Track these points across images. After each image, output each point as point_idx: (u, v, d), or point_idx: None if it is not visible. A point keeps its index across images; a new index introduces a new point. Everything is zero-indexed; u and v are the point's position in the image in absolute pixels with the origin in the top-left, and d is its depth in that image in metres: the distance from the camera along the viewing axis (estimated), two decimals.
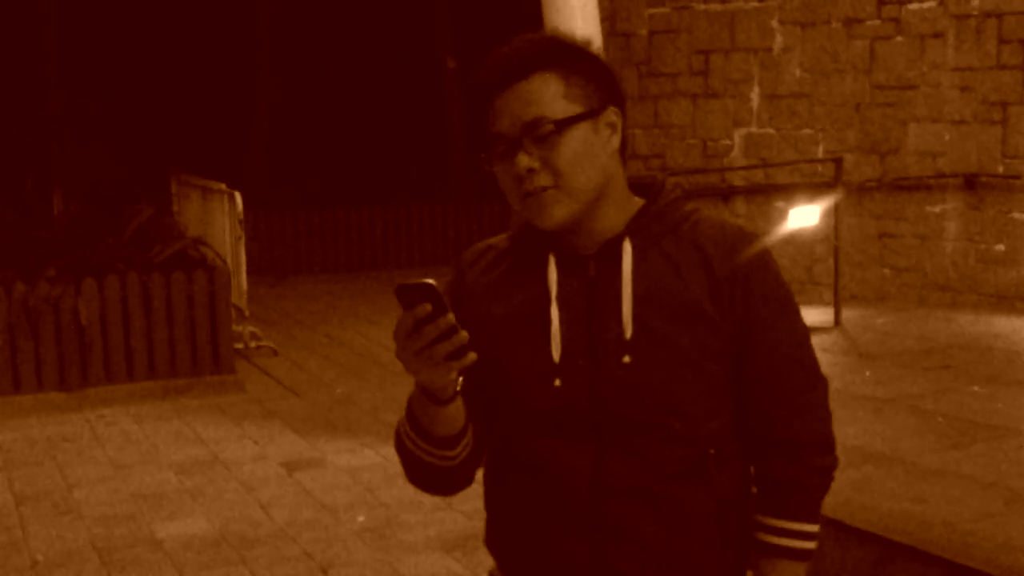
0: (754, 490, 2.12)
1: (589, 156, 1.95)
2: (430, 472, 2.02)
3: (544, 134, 1.92)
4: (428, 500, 6.20)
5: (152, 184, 13.24)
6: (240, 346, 9.77)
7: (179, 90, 18.17)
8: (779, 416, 2.04)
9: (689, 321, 1.96)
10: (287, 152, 17.80)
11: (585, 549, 2.00)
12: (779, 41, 10.67)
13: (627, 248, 1.99)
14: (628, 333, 1.96)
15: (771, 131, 10.80)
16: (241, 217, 10.07)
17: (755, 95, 10.90)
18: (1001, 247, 9.38)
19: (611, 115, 1.99)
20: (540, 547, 2.05)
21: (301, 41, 18.41)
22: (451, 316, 1.74)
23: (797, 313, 2.08)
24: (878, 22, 10.04)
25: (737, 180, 10.96)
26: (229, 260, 10.12)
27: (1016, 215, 9.30)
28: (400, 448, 2.04)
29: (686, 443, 1.98)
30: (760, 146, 10.87)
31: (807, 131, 10.53)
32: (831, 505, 3.37)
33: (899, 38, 9.92)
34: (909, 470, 5.23)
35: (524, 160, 1.93)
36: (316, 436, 7.54)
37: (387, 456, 7.02)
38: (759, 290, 2.01)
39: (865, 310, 9.47)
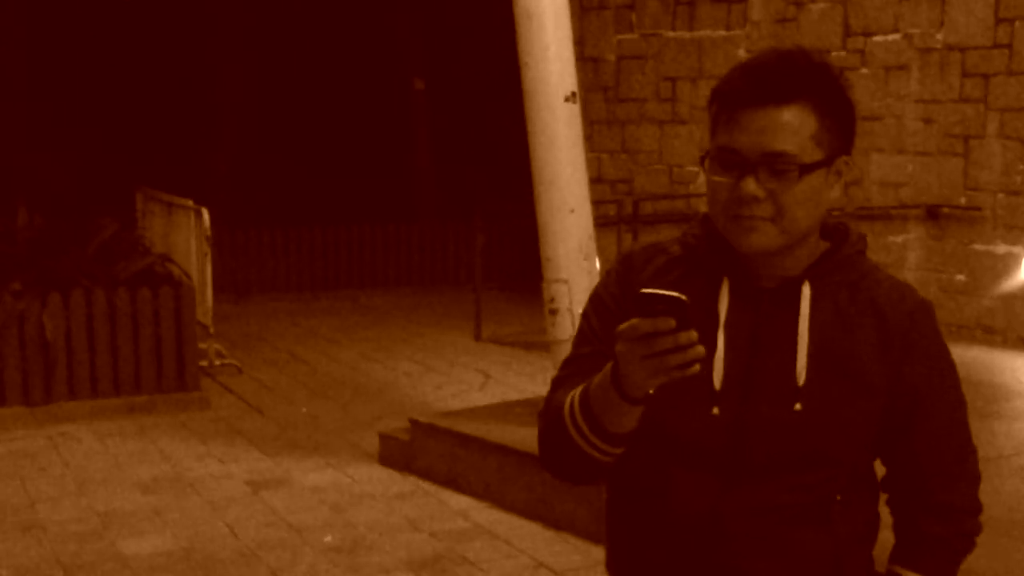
0: (886, 536, 2.13)
1: (814, 202, 1.92)
2: (582, 462, 1.94)
3: (783, 170, 1.87)
4: (395, 521, 6.21)
5: (117, 198, 13.15)
6: (205, 364, 9.73)
7: (145, 104, 18.09)
8: (939, 482, 2.05)
9: (853, 378, 1.95)
10: (251, 169, 17.75)
11: None
12: None
13: (806, 292, 1.96)
14: (802, 380, 1.93)
15: None
16: (208, 234, 10.04)
17: None
18: (962, 277, 9.52)
19: (842, 164, 1.96)
20: None
21: (269, 58, 18.39)
22: (694, 333, 1.70)
23: (959, 383, 2.09)
24: (844, 53, 10.18)
25: (703, 207, 11.04)
26: (194, 277, 10.08)
27: (977, 246, 9.44)
28: (554, 430, 1.97)
29: (815, 491, 1.97)
30: None
31: None
32: None
33: (864, 69, 10.07)
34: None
35: (752, 187, 1.88)
36: (281, 455, 7.52)
37: (354, 476, 7.02)
38: (930, 359, 2.01)
39: None
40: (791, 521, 1.96)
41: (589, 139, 11.69)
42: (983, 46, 9.33)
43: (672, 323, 1.68)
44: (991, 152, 9.34)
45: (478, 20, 16.70)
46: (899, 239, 9.94)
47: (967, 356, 8.62)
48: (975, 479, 2.12)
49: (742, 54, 10.77)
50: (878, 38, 9.97)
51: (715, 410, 1.94)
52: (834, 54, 10.21)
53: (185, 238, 10.74)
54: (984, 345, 9.09)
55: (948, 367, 2.07)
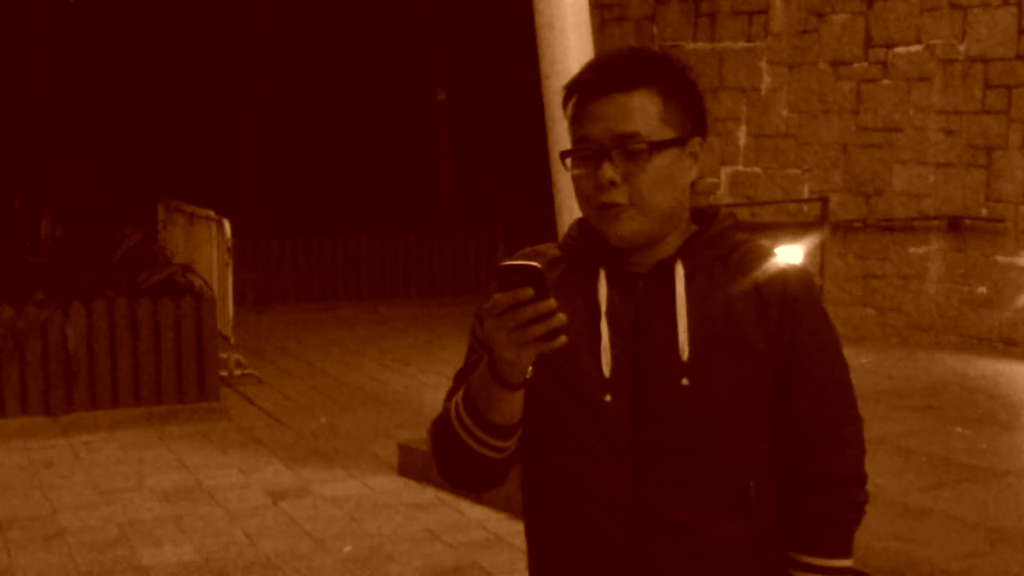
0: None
1: (670, 181, 1.97)
2: (473, 462, 1.97)
3: (635, 151, 1.94)
4: (414, 531, 6.21)
5: (139, 208, 13.22)
6: (225, 374, 9.77)
7: (168, 115, 18.19)
8: (817, 449, 2.04)
9: (736, 347, 1.98)
10: (274, 180, 17.83)
11: None
12: (767, 81, 10.79)
13: (679, 270, 2.00)
14: (685, 355, 1.96)
15: (757, 170, 10.90)
16: (230, 244, 10.08)
17: (742, 134, 11.00)
18: (984, 290, 9.47)
19: (695, 145, 2.02)
20: None
21: (292, 69, 18.47)
22: (552, 300, 1.74)
23: (839, 348, 2.10)
24: (865, 64, 10.16)
25: None
26: (215, 287, 10.12)
27: (999, 258, 9.39)
28: (444, 436, 2.00)
29: (725, 473, 1.98)
30: (746, 185, 10.96)
31: (793, 171, 10.63)
32: None
33: (886, 80, 10.04)
34: (895, 509, 5.27)
35: (609, 171, 1.94)
36: (301, 465, 7.54)
37: (373, 486, 7.03)
38: (807, 323, 2.03)
39: (848, 349, 9.35)
40: (712, 515, 1.97)
41: None
42: (1006, 57, 9.30)
43: (531, 292, 1.72)
44: (1014, 163, 9.30)
45: (499, 31, 16.74)
46: (920, 251, 9.90)
47: (989, 369, 8.58)
48: (858, 448, 2.08)
49: (763, 65, 10.76)
50: (900, 49, 9.95)
51: (607, 397, 1.97)
52: (855, 65, 10.20)
53: (206, 248, 10.78)
54: (1006, 358, 9.03)
55: (826, 331, 2.07)
